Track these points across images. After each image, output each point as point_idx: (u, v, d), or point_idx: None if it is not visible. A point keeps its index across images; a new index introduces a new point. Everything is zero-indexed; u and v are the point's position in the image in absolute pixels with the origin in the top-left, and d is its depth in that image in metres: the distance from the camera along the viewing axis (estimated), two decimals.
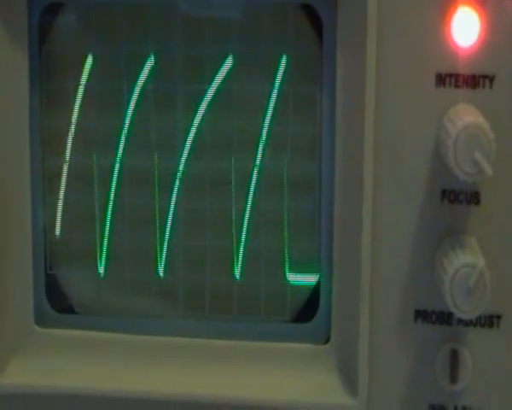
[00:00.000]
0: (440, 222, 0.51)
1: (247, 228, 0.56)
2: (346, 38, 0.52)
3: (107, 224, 0.57)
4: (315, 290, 0.56)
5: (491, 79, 0.50)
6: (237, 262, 0.57)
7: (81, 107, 0.56)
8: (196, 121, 0.55)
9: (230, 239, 0.57)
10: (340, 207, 0.53)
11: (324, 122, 0.54)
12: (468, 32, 0.50)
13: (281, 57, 0.55)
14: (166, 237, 0.57)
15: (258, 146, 0.55)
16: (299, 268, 0.57)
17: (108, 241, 0.57)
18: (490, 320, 0.51)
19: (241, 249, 0.57)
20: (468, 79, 0.50)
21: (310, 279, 0.56)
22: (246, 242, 0.56)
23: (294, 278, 0.57)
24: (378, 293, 0.52)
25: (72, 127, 0.57)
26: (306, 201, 0.56)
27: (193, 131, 0.56)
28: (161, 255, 0.57)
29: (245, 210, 0.56)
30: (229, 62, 0.55)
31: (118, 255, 0.58)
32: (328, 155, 0.54)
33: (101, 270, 0.58)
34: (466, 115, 0.48)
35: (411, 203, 0.51)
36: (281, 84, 0.55)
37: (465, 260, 0.48)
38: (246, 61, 0.55)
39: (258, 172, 0.56)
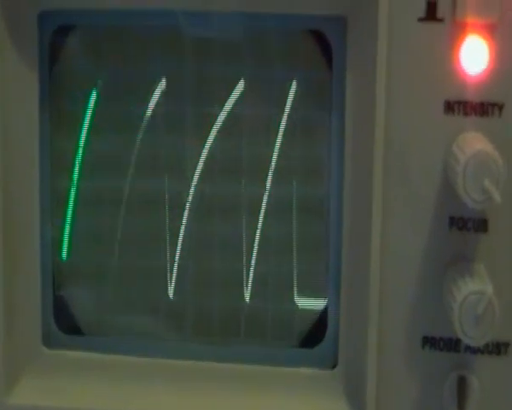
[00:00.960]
0: (449, 249, 0.51)
1: (257, 252, 0.56)
2: (355, 64, 0.52)
3: (117, 246, 0.57)
4: (322, 315, 0.56)
5: (500, 106, 0.51)
6: (247, 286, 0.57)
7: (91, 129, 0.57)
8: (207, 145, 0.56)
9: (240, 263, 0.57)
10: (348, 232, 0.54)
11: (333, 147, 0.55)
12: (477, 59, 0.51)
13: (290, 82, 0.55)
14: (176, 260, 0.57)
15: (268, 170, 0.56)
16: (308, 293, 0.57)
17: (117, 263, 0.58)
18: (497, 348, 0.51)
19: (251, 273, 0.57)
20: (477, 107, 0.51)
21: (318, 304, 0.56)
22: (255, 265, 0.57)
23: (302, 302, 0.57)
24: (386, 318, 0.52)
25: (82, 150, 0.57)
26: (315, 225, 0.56)
27: (203, 154, 0.56)
28: (171, 278, 0.57)
29: (254, 234, 0.56)
30: (239, 87, 0.55)
31: (126, 277, 0.58)
32: (336, 179, 0.54)
33: (110, 291, 0.58)
34: (475, 143, 0.49)
35: (420, 230, 0.51)
36: (290, 108, 0.55)
37: (474, 288, 0.48)
38: (255, 85, 0.55)
39: (268, 196, 0.56)
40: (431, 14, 0.50)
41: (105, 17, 0.55)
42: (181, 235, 0.57)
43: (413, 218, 0.51)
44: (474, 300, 0.47)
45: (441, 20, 0.50)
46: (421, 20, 0.50)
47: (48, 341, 0.58)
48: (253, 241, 0.57)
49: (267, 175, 0.56)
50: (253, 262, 0.57)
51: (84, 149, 0.57)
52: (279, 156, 0.56)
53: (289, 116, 0.55)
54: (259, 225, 0.56)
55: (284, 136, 0.55)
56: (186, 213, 0.57)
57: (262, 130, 0.56)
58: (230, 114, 0.56)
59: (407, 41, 0.51)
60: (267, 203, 0.56)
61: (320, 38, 0.54)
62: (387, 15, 0.50)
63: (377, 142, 0.50)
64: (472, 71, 0.51)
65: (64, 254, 0.58)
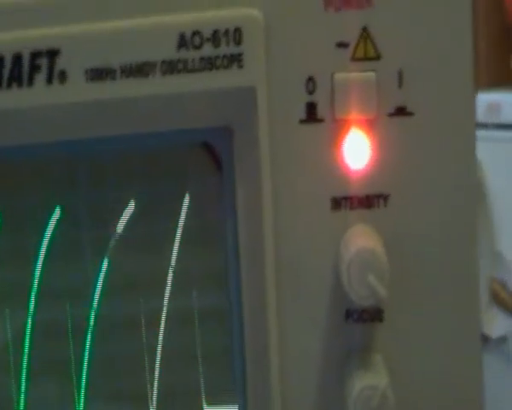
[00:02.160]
0: (346, 342, 0.52)
1: (161, 367, 0.57)
2: (243, 172, 0.54)
3: (24, 377, 0.58)
4: None
5: (385, 197, 0.52)
6: (152, 401, 0.58)
7: None
8: (104, 266, 0.57)
9: (145, 379, 0.58)
10: (249, 338, 0.54)
11: (230, 254, 0.56)
12: (360, 154, 0.52)
13: (184, 194, 0.57)
14: (83, 383, 0.58)
15: (166, 283, 0.57)
16: (216, 401, 0.58)
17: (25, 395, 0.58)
18: None
19: (156, 388, 0.58)
20: (363, 200, 0.52)
21: None
22: (159, 379, 0.58)
23: None
24: None
25: None
26: (219, 334, 0.57)
27: (101, 276, 0.57)
28: (79, 401, 0.58)
29: (157, 347, 0.57)
30: (134, 205, 0.57)
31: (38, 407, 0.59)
32: (235, 286, 0.55)
33: None
34: (359, 239, 0.50)
35: (316, 327, 0.52)
36: (185, 220, 0.57)
37: (366, 382, 0.49)
38: (151, 201, 0.57)
39: (169, 309, 0.57)
40: (311, 115, 0.52)
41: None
42: (86, 359, 0.58)
43: (308, 318, 0.52)
44: (368, 395, 0.49)
45: (322, 120, 0.52)
46: (302, 121, 0.52)
47: None
48: (156, 354, 0.57)
49: (166, 288, 0.57)
50: (159, 377, 0.57)
51: None
52: (178, 268, 0.57)
53: (185, 228, 0.57)
54: (161, 338, 0.57)
55: (183, 247, 0.57)
56: (89, 337, 0.58)
57: (159, 244, 0.57)
58: (127, 233, 0.57)
59: (290, 144, 0.52)
60: (168, 315, 0.57)
61: (210, 150, 0.56)
62: (268, 121, 0.52)
63: (267, 247, 0.52)
64: (355, 165, 0.53)
65: None
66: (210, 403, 0.58)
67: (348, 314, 0.53)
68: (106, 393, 0.58)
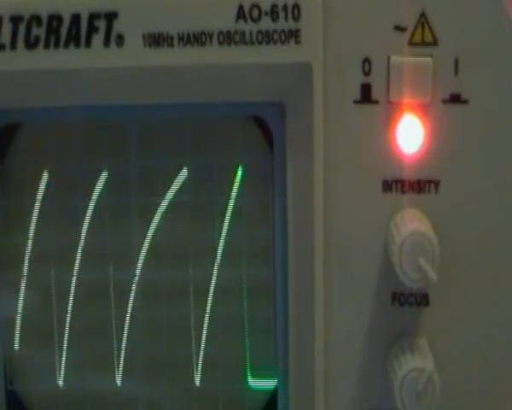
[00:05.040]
0: (392, 325, 0.52)
1: (206, 335, 0.57)
2: (295, 148, 0.54)
3: (66, 337, 0.58)
4: (274, 394, 0.57)
5: (437, 183, 0.52)
6: (197, 369, 0.57)
7: (38, 223, 0.57)
8: (152, 232, 0.57)
9: (189, 346, 0.57)
10: (293, 313, 0.54)
11: (277, 229, 0.56)
12: (413, 138, 0.52)
13: (235, 167, 0.56)
14: (124, 347, 0.58)
15: (215, 254, 0.57)
16: (258, 373, 0.58)
17: (67, 354, 0.58)
18: None
19: (200, 356, 0.57)
20: (414, 185, 0.52)
21: (269, 384, 0.57)
22: (205, 348, 0.57)
23: (253, 382, 0.58)
24: (332, 397, 0.53)
25: (29, 243, 0.57)
26: (264, 306, 0.57)
27: (149, 242, 0.57)
28: (119, 364, 0.58)
29: (203, 317, 0.57)
30: (183, 174, 0.57)
31: (77, 368, 0.58)
32: (281, 262, 0.55)
33: (61, 383, 0.58)
34: (410, 222, 0.50)
35: (362, 308, 0.52)
36: (235, 193, 0.56)
37: (414, 364, 0.49)
38: (200, 172, 0.57)
39: (216, 280, 0.57)
40: (366, 96, 0.52)
41: (50, 113, 0.55)
42: (127, 322, 0.57)
43: (356, 296, 0.52)
44: (415, 377, 0.49)
45: (376, 102, 0.52)
46: (356, 102, 0.52)
47: None
48: (202, 324, 0.57)
49: (214, 259, 0.57)
50: (202, 345, 0.57)
51: (33, 242, 0.57)
52: (226, 240, 0.57)
53: (235, 200, 0.56)
54: (208, 308, 0.57)
55: (230, 220, 0.57)
56: (132, 300, 0.57)
57: (209, 215, 0.57)
58: (175, 201, 0.57)
59: (343, 123, 0.52)
60: (215, 287, 0.57)
61: (262, 124, 0.56)
62: (323, 99, 0.52)
63: (317, 223, 0.52)
64: (408, 150, 0.52)
65: (16, 347, 0.58)
66: (254, 375, 0.58)
67: (394, 297, 0.52)
68: (146, 359, 0.58)
